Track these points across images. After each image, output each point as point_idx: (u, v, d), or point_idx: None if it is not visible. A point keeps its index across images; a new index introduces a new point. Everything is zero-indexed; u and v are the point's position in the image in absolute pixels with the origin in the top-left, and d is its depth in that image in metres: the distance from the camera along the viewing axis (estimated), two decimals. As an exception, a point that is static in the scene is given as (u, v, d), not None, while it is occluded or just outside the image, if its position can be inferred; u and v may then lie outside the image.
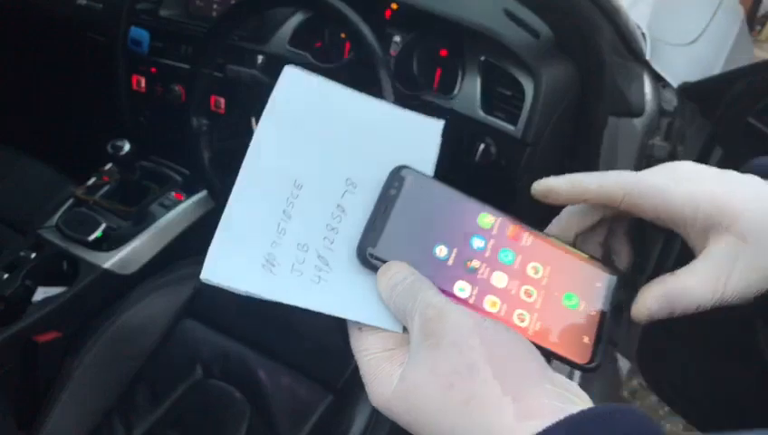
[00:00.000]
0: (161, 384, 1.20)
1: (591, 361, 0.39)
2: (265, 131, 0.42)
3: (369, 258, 0.40)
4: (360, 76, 1.03)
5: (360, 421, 1.09)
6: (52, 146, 1.62)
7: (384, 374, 0.37)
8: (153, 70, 1.44)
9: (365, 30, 0.99)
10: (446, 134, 1.09)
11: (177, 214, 1.36)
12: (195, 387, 1.20)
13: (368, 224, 0.41)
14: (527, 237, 0.42)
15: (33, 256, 1.25)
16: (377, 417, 1.10)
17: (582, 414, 0.32)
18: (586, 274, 0.42)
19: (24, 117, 1.82)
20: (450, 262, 0.40)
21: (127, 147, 1.26)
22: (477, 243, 0.41)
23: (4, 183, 1.50)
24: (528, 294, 0.40)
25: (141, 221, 1.33)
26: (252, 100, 1.10)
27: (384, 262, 0.40)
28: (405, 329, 0.39)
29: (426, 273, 0.39)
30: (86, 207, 1.34)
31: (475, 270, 0.40)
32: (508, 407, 0.33)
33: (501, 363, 0.35)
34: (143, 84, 1.46)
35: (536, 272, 0.41)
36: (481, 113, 1.12)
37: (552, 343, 0.39)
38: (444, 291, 0.39)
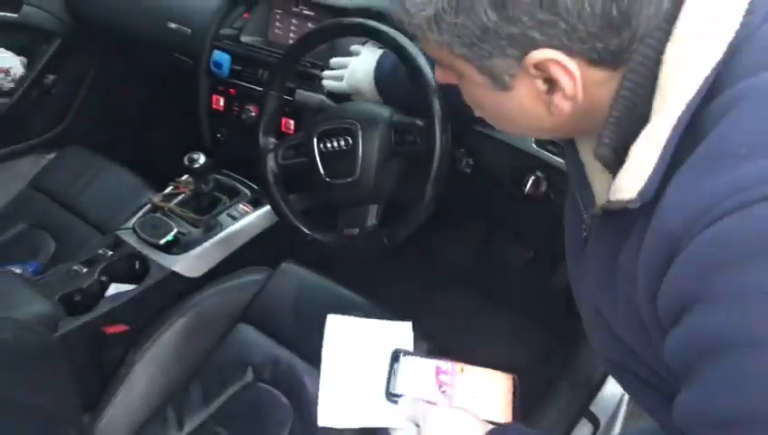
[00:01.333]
0: (214, 383, 1.28)
1: (515, 421, 0.74)
2: (329, 353, 0.80)
3: (391, 398, 0.75)
4: (417, 103, 1.09)
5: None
6: (136, 155, 1.76)
7: None
8: (232, 91, 1.55)
9: (421, 61, 1.05)
10: (496, 165, 1.14)
11: (244, 225, 1.45)
12: (244, 389, 1.27)
13: (386, 383, 0.76)
14: (467, 369, 0.77)
15: (110, 254, 1.37)
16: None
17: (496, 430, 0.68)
18: (502, 380, 0.77)
19: (114, 127, 1.98)
20: (431, 390, 0.74)
21: (202, 160, 1.36)
22: (444, 378, 0.75)
23: (92, 186, 1.64)
24: (474, 396, 0.75)
25: (210, 229, 1.43)
26: (316, 123, 1.18)
27: (399, 397, 0.75)
28: (417, 425, 0.71)
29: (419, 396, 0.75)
30: (161, 213, 1.45)
31: (445, 392, 0.74)
32: None
33: (463, 426, 0.69)
34: (222, 104, 1.57)
35: (476, 384, 0.75)
36: (533, 146, 1.15)
37: (493, 418, 0.72)
38: (432, 403, 0.73)
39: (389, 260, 1.66)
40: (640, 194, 0.52)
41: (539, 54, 0.52)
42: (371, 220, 1.15)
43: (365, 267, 1.61)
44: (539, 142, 1.15)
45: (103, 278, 1.32)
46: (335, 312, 1.35)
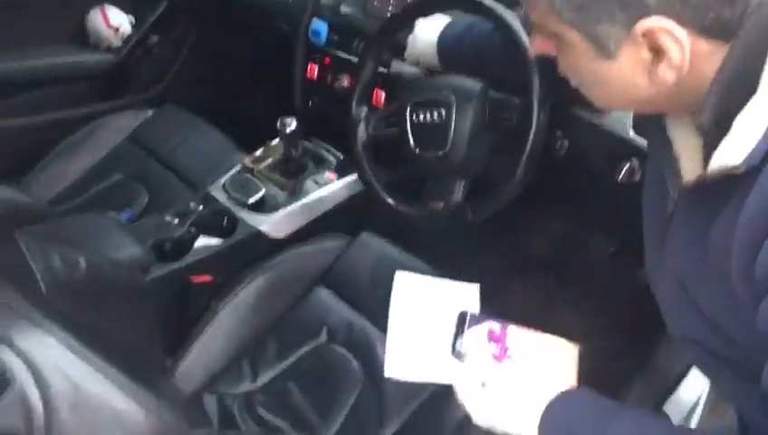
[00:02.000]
0: (289, 340, 1.31)
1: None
2: (396, 308, 0.82)
3: (457, 356, 0.77)
4: (514, 79, 1.08)
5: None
6: (229, 117, 1.82)
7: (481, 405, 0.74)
8: (327, 60, 1.57)
9: (522, 36, 1.04)
10: (590, 150, 1.12)
11: (328, 192, 1.48)
12: (318, 349, 1.30)
13: (453, 341, 0.78)
14: (533, 335, 0.78)
15: (201, 208, 1.42)
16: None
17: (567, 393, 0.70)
18: (567, 348, 0.78)
19: (211, 88, 2.04)
20: (497, 352, 0.76)
21: (294, 125, 1.39)
22: (510, 342, 0.76)
23: (186, 144, 1.70)
24: (538, 360, 0.75)
25: (295, 193, 1.47)
26: (410, 93, 1.18)
27: (465, 356, 0.77)
28: (483, 384, 0.74)
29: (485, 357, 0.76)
30: (250, 174, 1.50)
31: (511, 355, 0.76)
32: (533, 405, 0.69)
33: (529, 388, 0.71)
34: (316, 72, 1.60)
35: (541, 350, 0.77)
36: (631, 132, 1.12)
37: (557, 384, 0.72)
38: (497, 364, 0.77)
39: (468, 238, 1.66)
40: (746, 160, 0.52)
41: (650, 22, 0.53)
42: (457, 195, 1.15)
43: (442, 243, 1.61)
44: (637, 129, 1.12)
45: (192, 230, 1.38)
46: (411, 284, 1.37)
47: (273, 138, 1.58)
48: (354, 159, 1.28)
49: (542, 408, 0.69)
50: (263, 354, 1.31)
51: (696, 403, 1.43)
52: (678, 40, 0.53)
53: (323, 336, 1.31)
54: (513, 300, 1.63)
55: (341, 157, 1.57)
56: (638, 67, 0.57)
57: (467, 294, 0.85)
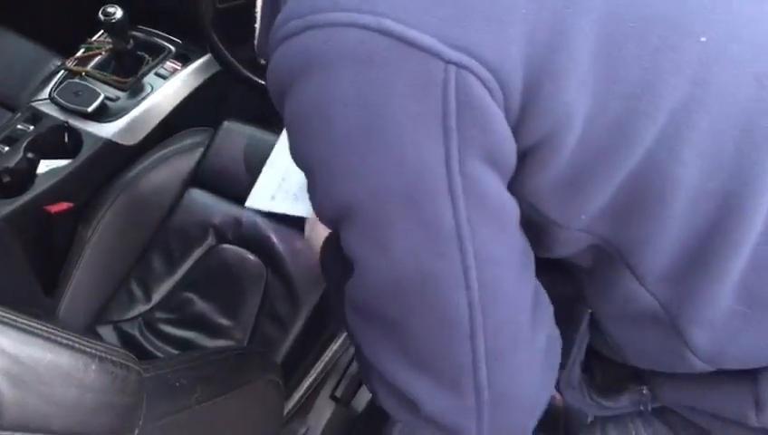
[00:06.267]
0: (176, 250, 1.23)
1: None
2: (277, 151, 0.86)
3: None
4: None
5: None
6: (30, 18, 1.54)
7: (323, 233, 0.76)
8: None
9: None
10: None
11: (175, 84, 1.33)
12: (209, 252, 1.23)
13: None
14: None
15: (32, 128, 1.23)
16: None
17: None
18: None
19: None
20: None
21: (119, 13, 1.21)
22: None
23: (-16, 58, 1.44)
24: None
25: (138, 92, 1.31)
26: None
27: None
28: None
29: None
30: (78, 78, 1.30)
31: None
32: None
33: None
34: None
35: None
36: None
37: None
38: None
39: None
40: None
41: None
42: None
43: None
44: None
45: (30, 156, 1.19)
46: (288, 165, 1.31)
47: (91, 33, 1.38)
48: (205, 38, 1.15)
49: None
50: (150, 271, 1.22)
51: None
52: None
53: (211, 238, 1.24)
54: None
55: (180, 42, 1.40)
56: None
57: None
